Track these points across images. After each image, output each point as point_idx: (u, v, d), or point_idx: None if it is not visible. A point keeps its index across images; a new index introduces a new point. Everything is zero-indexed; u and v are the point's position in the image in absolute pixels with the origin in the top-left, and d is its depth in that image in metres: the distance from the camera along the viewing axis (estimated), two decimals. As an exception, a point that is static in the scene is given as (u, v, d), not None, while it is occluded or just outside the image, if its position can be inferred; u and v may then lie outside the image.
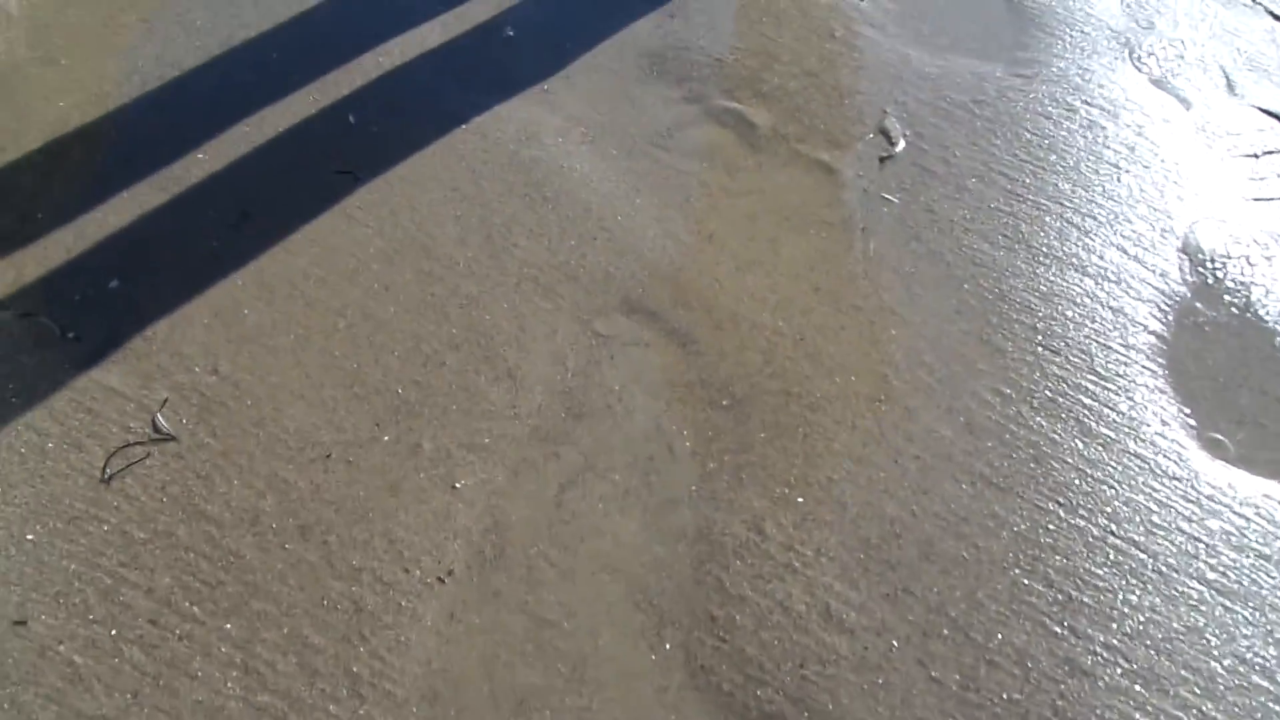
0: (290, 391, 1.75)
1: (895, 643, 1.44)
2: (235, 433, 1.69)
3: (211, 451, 1.67)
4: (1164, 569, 1.48)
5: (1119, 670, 1.44)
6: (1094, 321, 1.79)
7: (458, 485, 1.61)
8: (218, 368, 1.79)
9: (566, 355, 1.78)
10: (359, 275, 1.93)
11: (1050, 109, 2.20)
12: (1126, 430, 1.63)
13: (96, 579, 1.52)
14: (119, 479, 1.65)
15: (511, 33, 2.46)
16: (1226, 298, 1.87)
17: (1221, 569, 1.51)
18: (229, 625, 1.45)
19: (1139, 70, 2.29)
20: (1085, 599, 1.47)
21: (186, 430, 1.70)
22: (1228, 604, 1.49)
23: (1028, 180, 2.05)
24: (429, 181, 2.11)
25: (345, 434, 1.68)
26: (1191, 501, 1.56)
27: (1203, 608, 1.48)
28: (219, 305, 1.89)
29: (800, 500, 1.55)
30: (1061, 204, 2.00)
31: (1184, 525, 1.53)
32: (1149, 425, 1.64)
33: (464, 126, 2.23)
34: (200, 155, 2.18)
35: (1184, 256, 1.93)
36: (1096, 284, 1.85)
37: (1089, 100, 2.22)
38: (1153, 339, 1.77)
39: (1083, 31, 2.38)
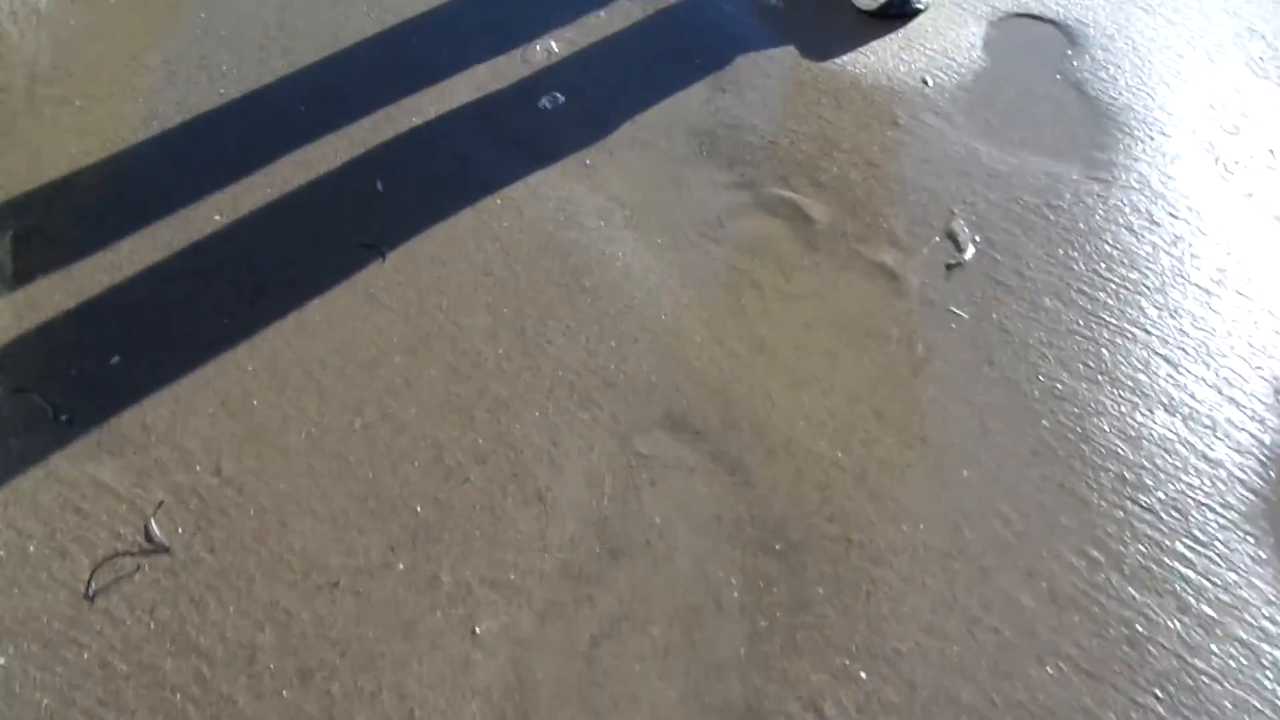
0: (298, 503, 1.59)
1: None
2: (235, 548, 1.53)
3: (207, 569, 1.51)
4: (1281, 794, 1.31)
5: None
6: (1188, 474, 1.62)
7: (478, 630, 1.44)
8: (220, 467, 1.63)
9: (603, 477, 1.62)
10: (379, 367, 1.78)
11: (1132, 219, 2.04)
12: (1229, 609, 1.46)
13: (70, 718, 1.36)
14: (104, 595, 1.49)
15: (550, 98, 2.32)
16: (1328, 449, 1.70)
17: (1345, 793, 1.33)
18: (213, 790, 1.29)
19: (1226, 180, 2.13)
20: (1189, 822, 1.29)
21: (182, 541, 1.54)
22: (1352, 838, 1.31)
23: (1109, 301, 1.88)
24: (460, 262, 1.96)
25: (356, 558, 1.52)
26: (1308, 707, 1.38)
27: (1324, 842, 1.30)
28: (226, 393, 1.74)
29: (863, 675, 1.38)
30: (1147, 331, 1.83)
31: (1301, 738, 1.35)
32: (1254, 604, 1.46)
33: (499, 201, 2.08)
34: (217, 217, 2.04)
35: (1283, 401, 1.76)
36: (1188, 428, 1.68)
37: (1174, 212, 2.06)
38: (1252, 497, 1.60)
39: (1164, 133, 2.23)
